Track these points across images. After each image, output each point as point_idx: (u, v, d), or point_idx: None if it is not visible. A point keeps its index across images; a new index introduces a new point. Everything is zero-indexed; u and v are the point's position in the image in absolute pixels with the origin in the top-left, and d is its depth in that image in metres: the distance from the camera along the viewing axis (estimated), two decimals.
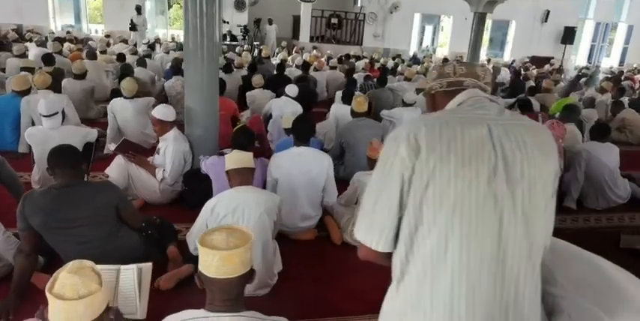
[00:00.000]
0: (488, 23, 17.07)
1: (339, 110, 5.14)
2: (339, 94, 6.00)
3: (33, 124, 4.22)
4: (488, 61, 14.09)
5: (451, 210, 1.01)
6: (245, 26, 13.56)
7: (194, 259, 2.12)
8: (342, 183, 3.39)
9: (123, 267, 1.76)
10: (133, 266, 1.75)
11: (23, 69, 5.81)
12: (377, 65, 10.18)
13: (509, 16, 15.97)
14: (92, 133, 3.70)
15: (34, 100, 4.13)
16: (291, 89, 5.22)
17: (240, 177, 2.47)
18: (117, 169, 3.37)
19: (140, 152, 3.47)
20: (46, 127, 3.44)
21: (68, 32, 12.32)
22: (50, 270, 1.93)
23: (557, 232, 1.18)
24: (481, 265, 1.01)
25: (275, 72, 7.57)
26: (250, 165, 2.51)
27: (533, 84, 8.88)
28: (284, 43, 13.33)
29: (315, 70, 8.48)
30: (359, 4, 15.48)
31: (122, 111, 4.54)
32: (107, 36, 12.13)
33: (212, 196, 2.54)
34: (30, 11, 12.58)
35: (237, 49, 10.82)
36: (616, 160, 4.08)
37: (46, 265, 2.45)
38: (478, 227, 1.01)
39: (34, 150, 3.45)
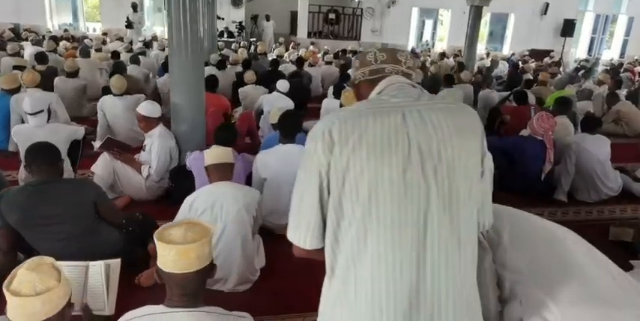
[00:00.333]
0: (487, 16, 16.98)
1: (330, 105, 5.13)
2: (331, 89, 5.98)
3: (23, 122, 4.23)
4: (488, 54, 13.99)
5: (367, 202, 1.01)
6: (240, 22, 13.53)
7: None
8: None
9: (91, 263, 1.76)
10: (101, 262, 1.75)
11: (15, 68, 5.81)
12: None
13: (508, 9, 15.85)
14: (79, 131, 3.70)
15: (21, 99, 4.12)
16: (282, 85, 5.21)
17: (219, 172, 2.47)
18: (102, 167, 3.37)
19: (125, 149, 3.47)
20: (32, 125, 3.45)
21: (65, 31, 12.33)
22: None
23: None
24: (401, 255, 1.00)
25: (269, 68, 7.54)
26: (229, 160, 2.50)
27: (531, 77, 8.82)
28: (281, 39, 13.29)
29: (311, 65, 8.45)
30: None
31: (111, 108, 4.54)
32: (104, 34, 12.13)
33: None
34: (27, 10, 12.59)
35: (233, 46, 10.79)
36: (607, 152, 4.04)
37: None
38: (395, 217, 1.00)
39: (19, 148, 3.45)
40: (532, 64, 11.74)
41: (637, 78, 11.17)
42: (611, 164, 4.12)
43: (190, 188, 3.17)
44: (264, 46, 10.18)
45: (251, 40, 13.44)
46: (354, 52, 11.65)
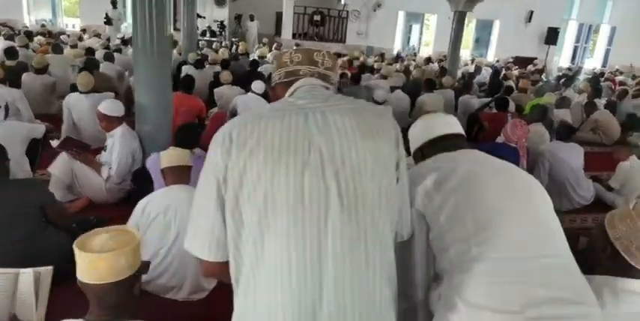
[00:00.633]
0: (473, 22, 17.11)
1: None
2: None
3: None
4: (472, 60, 14.08)
5: (263, 207, 0.95)
6: (222, 22, 13.37)
7: None
8: None
9: (21, 271, 1.64)
10: (31, 270, 1.63)
11: None
12: (356, 63, 10.07)
13: (493, 16, 15.98)
14: (38, 129, 3.54)
15: None
16: (257, 85, 5.10)
17: (174, 175, 2.35)
18: (60, 167, 3.23)
19: (85, 149, 3.32)
20: None
21: (42, 26, 12.05)
22: None
23: None
24: (299, 265, 0.94)
25: (249, 68, 7.43)
26: (186, 163, 2.38)
27: (513, 84, 8.85)
28: (265, 40, 13.17)
29: None
30: (342, 1, 15.36)
31: (77, 106, 4.37)
32: (83, 30, 11.88)
33: None
34: (4, 5, 12.27)
35: (214, 45, 10.63)
36: (580, 160, 4.02)
37: None
38: (292, 223, 0.95)
39: None
40: (515, 71, 11.82)
41: (617, 87, 11.31)
42: (584, 173, 4.10)
43: (153, 191, 3.07)
44: (246, 46, 10.03)
45: (233, 39, 13.29)
46: (338, 55, 11.61)
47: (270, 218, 0.96)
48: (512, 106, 6.30)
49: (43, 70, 5.56)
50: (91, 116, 4.39)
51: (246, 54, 9.78)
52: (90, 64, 5.95)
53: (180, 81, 5.20)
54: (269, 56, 10.14)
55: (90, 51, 7.51)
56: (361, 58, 11.11)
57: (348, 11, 14.98)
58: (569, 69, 14.44)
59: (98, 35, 10.48)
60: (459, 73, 9.95)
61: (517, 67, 13.53)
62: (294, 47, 12.79)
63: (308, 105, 1.03)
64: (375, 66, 9.46)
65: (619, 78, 12.68)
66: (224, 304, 2.34)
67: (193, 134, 2.98)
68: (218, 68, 7.32)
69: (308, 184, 0.96)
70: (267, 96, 5.20)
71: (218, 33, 13.11)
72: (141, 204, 2.30)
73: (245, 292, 1.00)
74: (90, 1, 13.18)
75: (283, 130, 0.99)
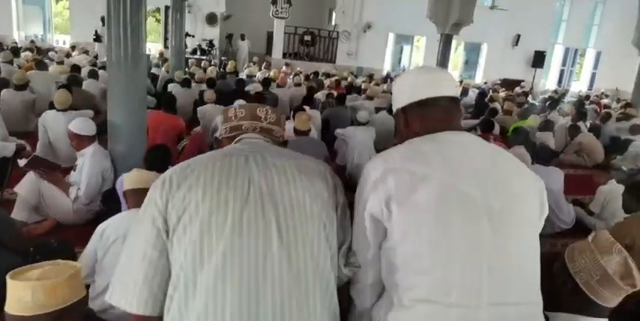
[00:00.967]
0: (461, 45, 17.40)
1: (288, 126, 4.99)
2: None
3: None
4: (461, 82, 14.24)
5: (198, 244, 0.95)
6: (211, 41, 13.46)
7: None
8: None
9: None
10: None
11: None
12: (344, 83, 10.13)
13: (481, 39, 16.26)
14: (8, 148, 3.46)
15: None
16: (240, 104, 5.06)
17: (137, 198, 2.26)
18: (27, 187, 3.13)
19: (53, 169, 3.23)
20: None
21: (32, 42, 12.04)
22: None
23: None
24: (232, 299, 0.92)
25: (234, 87, 7.42)
26: (149, 185, 2.30)
27: (499, 106, 8.92)
28: (255, 59, 13.27)
29: (279, 86, 8.36)
30: (333, 22, 15.58)
31: (54, 124, 4.29)
32: (72, 47, 11.88)
33: None
34: None
35: (202, 64, 10.66)
36: (560, 184, 3.99)
37: None
38: (229, 256, 0.94)
39: None
40: (502, 93, 11.96)
41: (602, 110, 11.47)
42: (564, 197, 4.07)
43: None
44: (234, 64, 10.06)
45: (222, 58, 13.36)
46: (327, 75, 11.69)
47: (205, 255, 0.95)
48: (497, 129, 6.33)
49: (23, 86, 5.51)
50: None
51: (235, 73, 9.80)
52: (72, 81, 5.90)
53: (162, 100, 5.16)
54: (258, 75, 10.19)
55: (75, 68, 7.47)
56: (349, 79, 11.19)
57: (338, 32, 15.18)
58: (556, 92, 14.66)
59: (86, 52, 10.48)
60: None
61: (504, 89, 13.70)
62: (284, 67, 12.89)
63: (248, 150, 1.10)
64: (363, 86, 9.51)
65: (604, 101, 12.87)
66: None
67: (163, 156, 2.91)
68: (204, 87, 7.30)
69: (247, 219, 0.97)
70: None
71: (207, 51, 13.18)
72: (100, 227, 2.21)
73: None
74: (81, 18, 13.24)
75: (224, 167, 1.02)
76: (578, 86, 18.92)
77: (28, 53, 9.61)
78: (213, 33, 14.23)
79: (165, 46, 13.16)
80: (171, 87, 7.23)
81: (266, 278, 0.94)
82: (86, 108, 5.03)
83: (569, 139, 6.98)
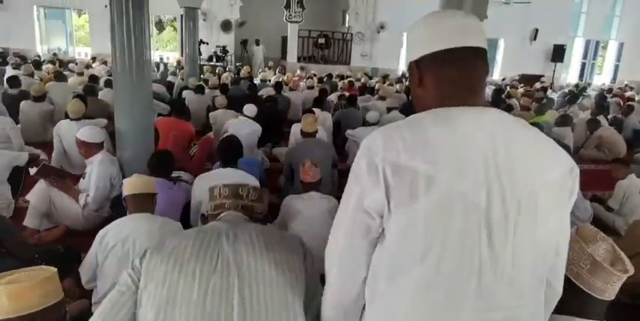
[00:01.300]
0: None
1: (296, 129, 4.99)
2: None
3: None
4: None
5: (163, 309, 1.07)
6: (224, 47, 13.60)
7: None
8: None
9: None
10: None
11: None
12: (357, 84, 10.10)
13: (497, 35, 15.98)
14: (21, 157, 3.56)
15: None
16: (249, 109, 5.10)
17: (136, 203, 2.30)
18: (38, 194, 3.21)
19: (63, 177, 3.30)
20: None
21: (54, 55, 12.41)
22: None
23: None
24: None
25: (247, 92, 7.48)
26: (149, 191, 2.33)
27: (516, 102, 8.74)
28: (270, 63, 13.36)
29: (292, 90, 8.39)
30: (346, 24, 15.57)
31: (67, 133, 4.38)
32: (93, 59, 12.19)
33: None
34: (17, 35, 12.74)
35: (217, 70, 10.79)
36: None
37: None
38: None
39: None
40: (521, 89, 11.71)
41: (625, 103, 11.11)
42: (581, 193, 3.94)
43: None
44: (248, 70, 10.15)
45: (237, 64, 13.49)
46: (342, 77, 11.68)
47: (168, 318, 1.06)
48: None
49: (41, 97, 5.67)
50: None
51: (250, 78, 9.89)
52: (88, 91, 6.05)
53: (176, 107, 5.24)
54: (273, 79, 10.26)
55: (93, 78, 7.66)
56: (362, 80, 11.15)
57: (352, 34, 15.15)
58: (577, 86, 14.27)
59: (105, 63, 10.73)
60: None
61: (522, 85, 13.42)
62: (298, 70, 12.93)
63: (224, 228, 1.24)
64: (376, 87, 9.46)
65: (628, 93, 12.47)
66: None
67: (166, 161, 2.94)
68: (217, 93, 7.38)
69: (212, 288, 1.08)
70: (261, 119, 5.21)
71: (221, 58, 13.35)
72: (101, 232, 2.24)
73: None
74: (100, 30, 13.57)
75: (196, 242, 1.17)
76: (601, 79, 18.39)
77: (49, 66, 9.91)
78: (228, 39, 14.41)
79: (182, 55, 13.38)
80: (185, 94, 7.34)
81: None
82: (101, 117, 5.14)
83: (588, 134, 6.78)
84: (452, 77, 0.96)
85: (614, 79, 18.00)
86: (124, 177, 3.44)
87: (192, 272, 1.09)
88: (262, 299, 1.08)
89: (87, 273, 2.28)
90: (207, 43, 12.45)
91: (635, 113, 7.82)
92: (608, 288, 1.14)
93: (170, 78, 9.49)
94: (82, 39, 17.13)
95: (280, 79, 9.57)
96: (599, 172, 5.76)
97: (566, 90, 12.12)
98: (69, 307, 2.35)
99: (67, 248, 2.65)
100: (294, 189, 4.08)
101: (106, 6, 4.11)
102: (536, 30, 16.21)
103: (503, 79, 15.30)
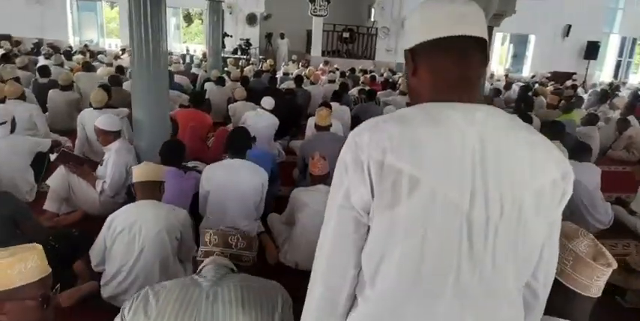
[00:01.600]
0: (507, 38, 16.72)
1: (311, 122, 4.99)
2: None
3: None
4: (506, 75, 13.71)
5: None
6: (247, 40, 13.67)
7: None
8: None
9: None
10: None
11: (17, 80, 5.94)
12: (380, 79, 10.02)
13: (528, 31, 15.56)
14: (43, 143, 3.69)
15: None
16: (267, 101, 5.13)
17: (144, 190, 2.36)
18: (57, 180, 3.32)
19: (81, 163, 3.41)
20: None
21: (85, 46, 12.75)
22: None
23: None
24: None
25: (268, 85, 7.52)
26: (156, 178, 2.38)
27: (544, 100, 8.51)
28: (294, 57, 13.37)
29: (312, 83, 8.39)
30: (371, 19, 15.42)
31: (89, 122, 4.47)
32: (123, 50, 12.46)
33: None
34: (51, 26, 13.14)
35: (240, 63, 10.88)
36: (596, 181, 3.74)
37: None
38: None
39: None
40: (550, 87, 11.39)
41: None
42: (601, 195, 3.82)
43: None
44: (270, 63, 10.19)
45: (260, 57, 13.56)
46: (365, 71, 11.60)
47: None
48: (536, 123, 6.03)
49: (68, 87, 5.84)
50: None
51: (273, 71, 9.94)
52: (112, 81, 6.19)
53: (195, 98, 5.33)
54: (295, 73, 10.28)
55: (120, 69, 7.85)
56: (385, 75, 11.05)
57: (377, 28, 15.00)
58: (610, 84, 13.77)
59: None
60: (486, 89, 9.68)
61: (553, 82, 13.04)
62: (321, 64, 12.89)
63: (205, 283, 1.41)
64: (399, 82, 9.37)
65: None
66: None
67: (177, 150, 3.00)
68: (238, 85, 7.46)
69: None
70: (279, 112, 5.23)
71: (245, 51, 13.44)
72: (110, 218, 2.31)
73: None
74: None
75: (176, 303, 1.36)
76: (637, 78, 17.68)
77: (79, 56, 10.20)
78: (253, 33, 14.49)
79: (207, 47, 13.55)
80: (207, 86, 7.44)
81: None
82: (124, 106, 5.26)
83: (617, 134, 6.55)
84: (446, 68, 0.91)
85: None
86: None
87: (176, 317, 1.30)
88: None
89: (96, 256, 2.35)
90: (232, 36, 12.56)
91: None
92: (592, 284, 1.12)
93: (194, 70, 9.62)
94: (114, 31, 17.52)
95: (302, 73, 9.58)
96: (626, 173, 5.56)
97: (598, 88, 11.70)
98: (77, 288, 2.44)
99: (80, 232, 2.74)
100: (306, 182, 4.11)
101: None
102: (569, 26, 15.69)
103: (533, 76, 14.90)
